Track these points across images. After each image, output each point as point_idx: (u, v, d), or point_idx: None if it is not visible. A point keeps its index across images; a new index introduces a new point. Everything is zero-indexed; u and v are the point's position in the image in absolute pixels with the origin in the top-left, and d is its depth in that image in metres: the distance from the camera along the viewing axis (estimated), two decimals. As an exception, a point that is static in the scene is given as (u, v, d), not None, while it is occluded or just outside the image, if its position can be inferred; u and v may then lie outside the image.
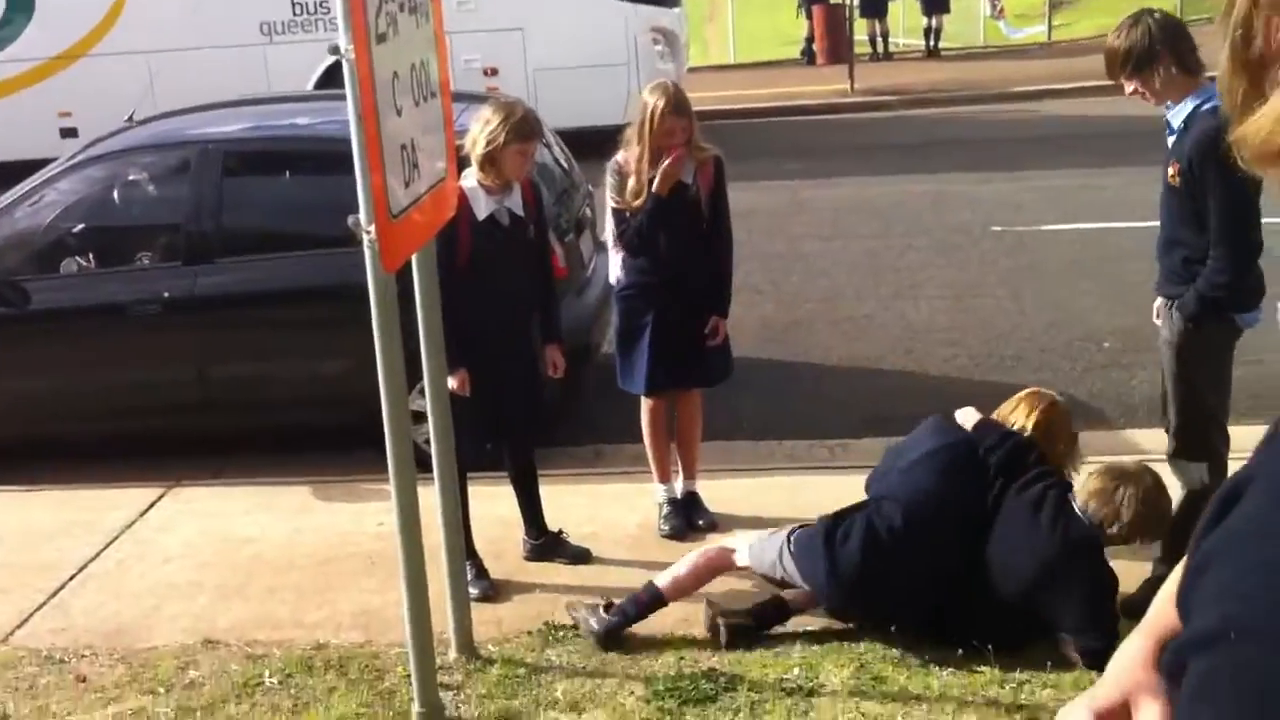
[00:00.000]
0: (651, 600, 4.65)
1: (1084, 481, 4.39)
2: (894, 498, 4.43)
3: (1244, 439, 4.86)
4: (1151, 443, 6.49)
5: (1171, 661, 0.94)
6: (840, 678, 4.17)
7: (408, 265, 4.10)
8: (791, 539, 4.52)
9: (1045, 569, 4.21)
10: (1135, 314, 8.25)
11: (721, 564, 4.68)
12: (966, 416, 4.69)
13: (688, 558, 4.75)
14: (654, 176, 5.17)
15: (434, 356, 4.26)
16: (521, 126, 4.82)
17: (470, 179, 4.85)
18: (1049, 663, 4.15)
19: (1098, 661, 4.09)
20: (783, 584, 4.58)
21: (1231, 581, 0.87)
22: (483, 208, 4.91)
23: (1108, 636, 4.10)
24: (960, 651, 4.26)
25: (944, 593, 4.34)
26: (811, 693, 4.09)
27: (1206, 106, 4.24)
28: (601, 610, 4.64)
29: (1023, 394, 4.72)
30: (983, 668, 4.17)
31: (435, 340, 4.25)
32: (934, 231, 10.84)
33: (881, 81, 19.31)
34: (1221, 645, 0.86)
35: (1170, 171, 4.36)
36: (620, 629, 4.58)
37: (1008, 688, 4.04)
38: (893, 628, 4.41)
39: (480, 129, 4.83)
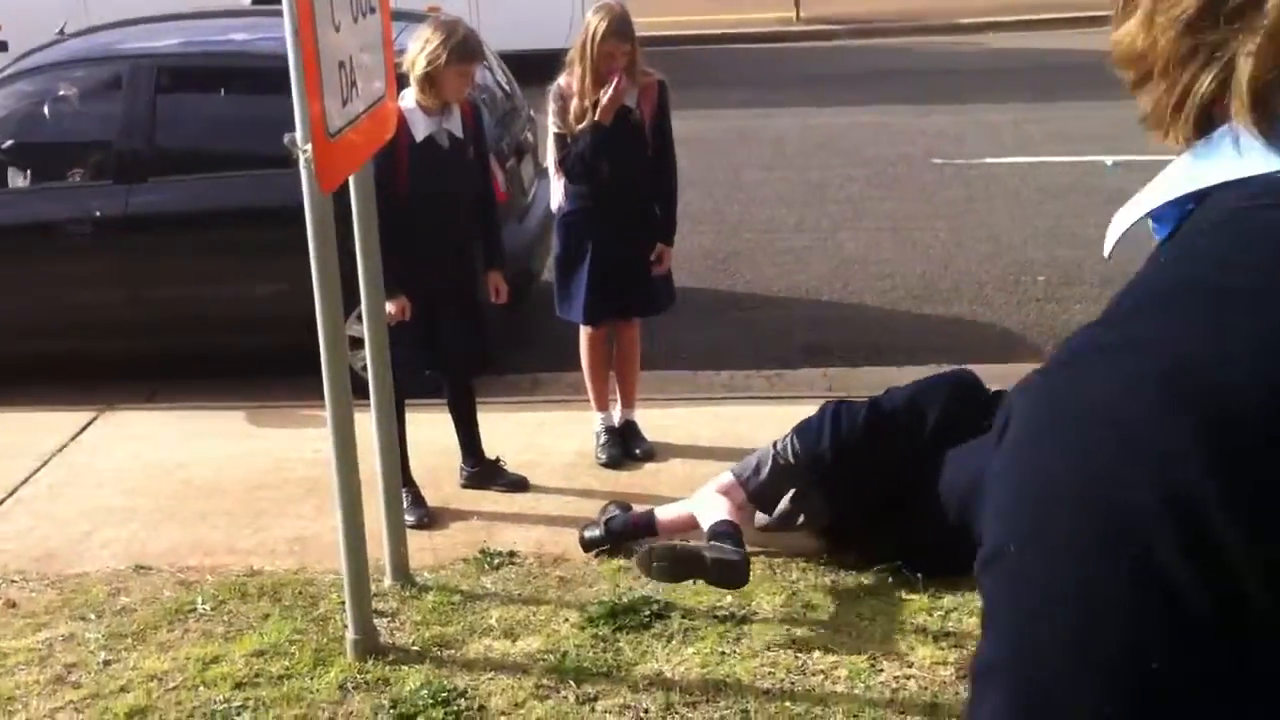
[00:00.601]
0: (645, 527, 4.69)
1: None
2: (899, 392, 4.54)
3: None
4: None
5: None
6: (772, 605, 4.22)
7: (345, 187, 4.04)
8: (792, 431, 4.59)
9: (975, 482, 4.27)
10: (1071, 248, 8.34)
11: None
12: None
13: (688, 505, 4.65)
14: (596, 101, 5.12)
15: (371, 281, 4.22)
16: (463, 47, 4.75)
17: (408, 100, 4.78)
18: (973, 590, 4.21)
19: None
20: (749, 498, 4.58)
21: (1007, 498, 0.88)
22: (421, 129, 4.84)
23: None
24: (890, 580, 4.33)
25: (906, 501, 4.39)
26: (743, 620, 4.13)
27: None
28: (599, 516, 4.74)
29: None
30: (912, 596, 4.24)
31: (373, 264, 4.21)
32: (875, 163, 10.85)
33: (827, 10, 19.20)
34: (1000, 560, 0.87)
35: None
36: (600, 543, 4.66)
37: (935, 615, 4.11)
38: (823, 556, 4.46)
39: (420, 49, 4.75)
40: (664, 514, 4.69)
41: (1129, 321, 0.89)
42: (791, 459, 4.47)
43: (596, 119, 5.13)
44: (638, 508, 4.78)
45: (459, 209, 4.99)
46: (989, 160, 10.75)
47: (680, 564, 4.11)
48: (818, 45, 17.67)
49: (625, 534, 4.69)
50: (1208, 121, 0.90)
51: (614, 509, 4.78)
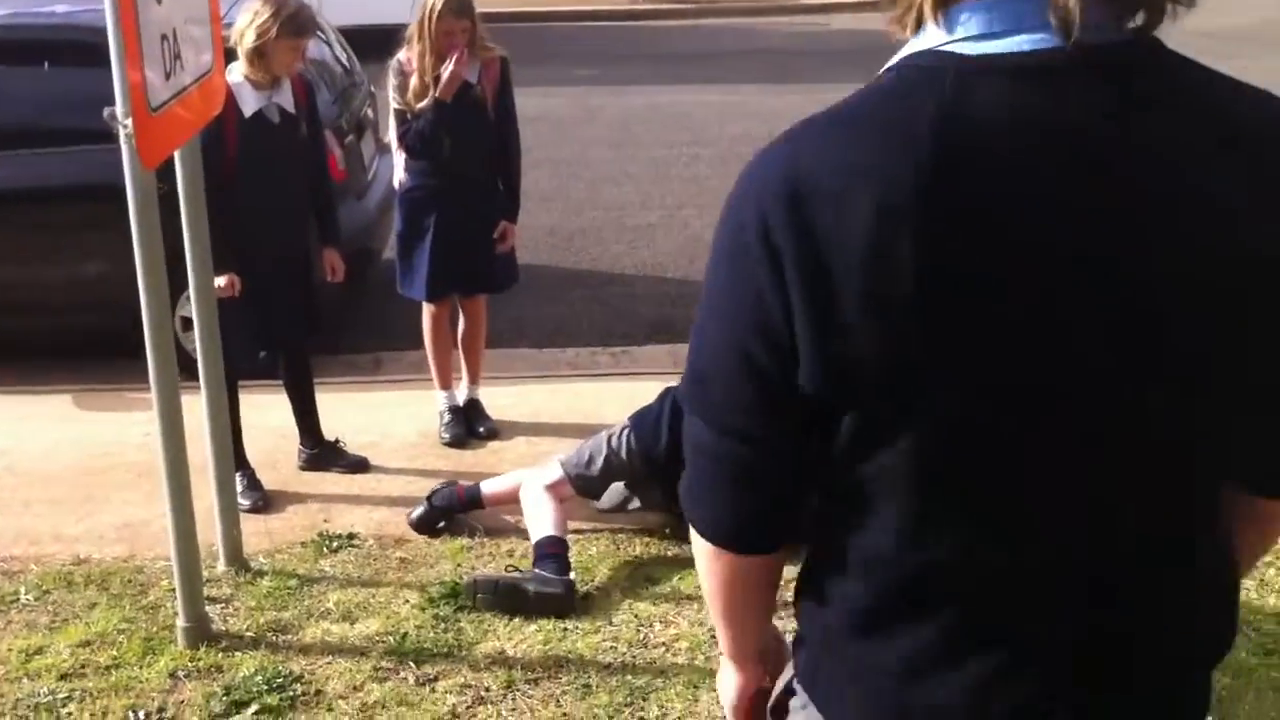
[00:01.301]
0: (470, 502, 4.65)
1: None
2: None
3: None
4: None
5: None
6: (615, 580, 4.23)
7: (171, 163, 3.92)
8: (629, 421, 4.55)
9: None
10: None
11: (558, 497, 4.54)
12: None
13: (513, 478, 4.64)
14: (437, 77, 5.06)
15: (199, 258, 4.10)
16: (293, 21, 4.63)
17: (236, 74, 4.64)
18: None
19: None
20: (577, 492, 4.56)
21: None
22: (250, 104, 4.71)
23: None
24: (731, 553, 4.36)
25: None
26: (586, 596, 4.13)
27: None
28: (425, 497, 4.69)
29: None
30: (752, 569, 4.28)
31: (200, 242, 4.08)
32: (721, 142, 10.93)
33: (674, -11, 19.27)
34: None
35: None
36: (426, 519, 4.62)
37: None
38: (667, 530, 4.49)
39: (249, 21, 4.62)
40: (490, 487, 4.66)
41: (791, 131, 1.39)
42: (625, 456, 4.46)
43: (437, 96, 5.07)
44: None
45: (291, 185, 4.88)
46: (831, 139, 10.92)
47: (504, 597, 4.07)
48: (664, 24, 17.73)
49: (451, 508, 4.65)
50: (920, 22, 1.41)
51: (442, 489, 4.72)
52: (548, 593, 4.05)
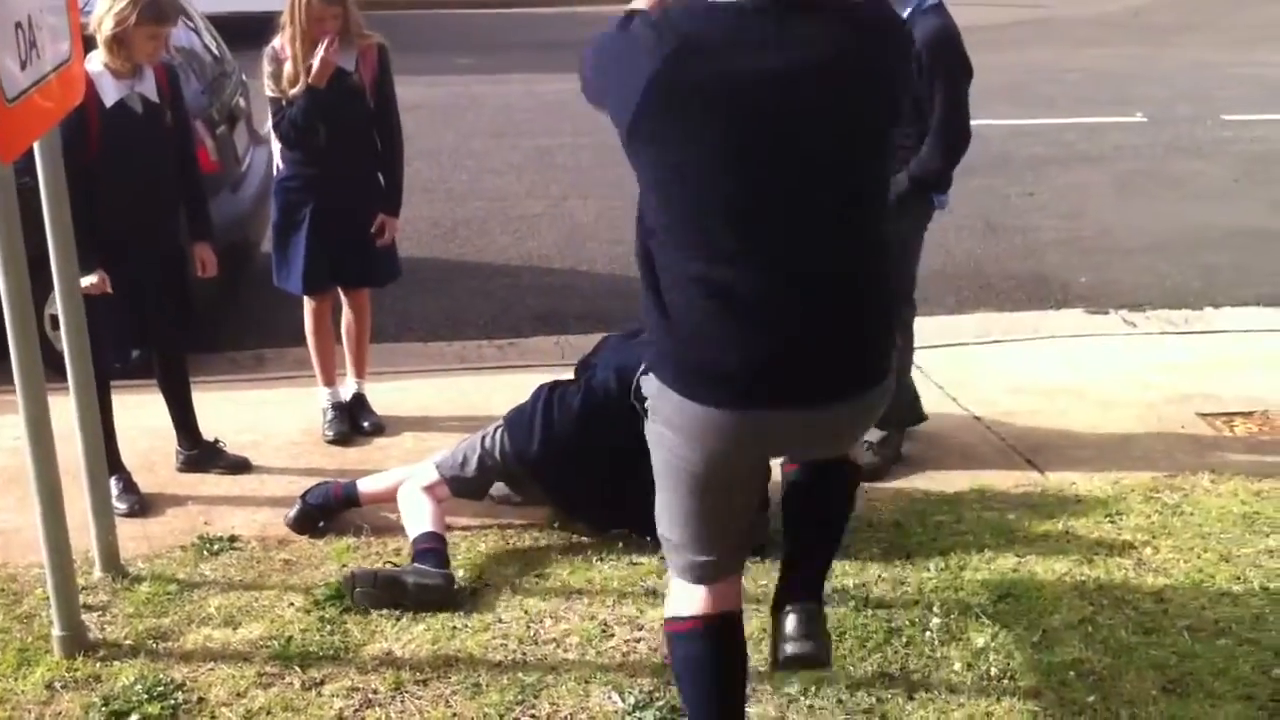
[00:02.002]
0: (346, 500, 4.56)
1: None
2: (607, 362, 4.44)
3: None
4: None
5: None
6: (504, 576, 4.18)
7: (31, 156, 3.77)
8: (503, 420, 4.50)
9: None
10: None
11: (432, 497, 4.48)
12: None
13: (392, 476, 4.58)
14: (310, 65, 4.95)
15: (63, 254, 3.95)
16: (153, 7, 4.47)
17: (96, 63, 4.49)
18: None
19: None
20: (453, 494, 4.52)
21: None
22: (111, 94, 4.55)
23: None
24: (621, 544, 4.35)
25: (633, 469, 4.39)
26: (475, 593, 4.08)
27: (929, 4, 4.56)
28: (300, 497, 4.60)
29: None
30: (642, 559, 4.27)
31: (63, 237, 3.93)
32: (604, 131, 10.80)
33: (554, -23, 19.17)
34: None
35: None
36: (303, 518, 4.53)
37: (665, 577, 4.14)
38: (555, 524, 4.45)
39: (107, 8, 4.46)
40: (367, 485, 4.58)
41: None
42: (499, 456, 4.41)
43: (310, 83, 4.96)
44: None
45: (157, 177, 4.73)
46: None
47: (383, 590, 4.01)
48: (544, 12, 17.64)
49: (327, 506, 4.56)
50: None
51: (317, 487, 4.63)
52: (427, 584, 4.00)
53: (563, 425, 4.37)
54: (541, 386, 4.55)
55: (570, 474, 4.40)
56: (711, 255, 2.65)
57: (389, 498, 4.49)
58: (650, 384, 2.84)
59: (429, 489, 4.41)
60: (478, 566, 4.26)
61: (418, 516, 4.29)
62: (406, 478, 4.50)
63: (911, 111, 4.55)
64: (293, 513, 4.56)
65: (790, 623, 3.05)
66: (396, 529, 4.47)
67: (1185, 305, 7.26)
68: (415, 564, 4.10)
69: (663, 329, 2.73)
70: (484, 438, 4.46)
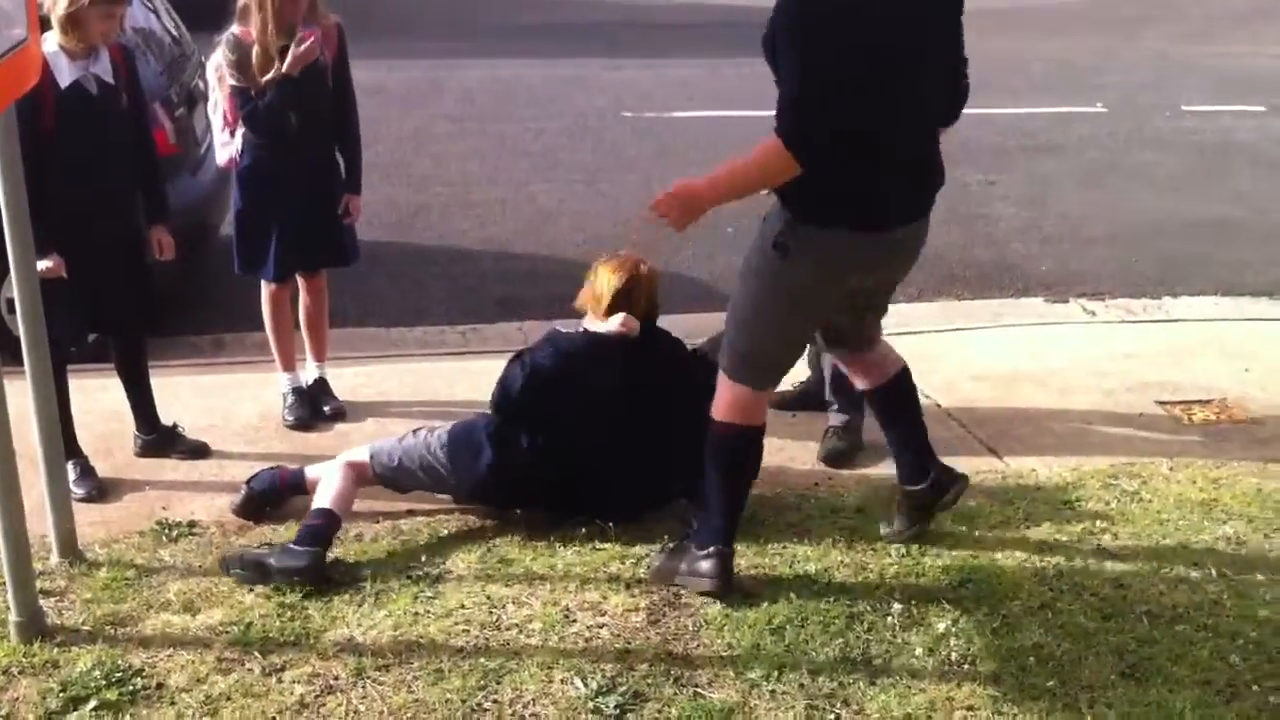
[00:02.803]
0: (292, 486, 4.54)
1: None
2: (540, 398, 4.42)
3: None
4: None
5: None
6: (467, 563, 4.17)
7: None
8: (440, 431, 4.48)
9: (677, 426, 4.34)
10: (756, 204, 8.55)
11: (359, 481, 4.49)
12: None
13: (333, 469, 4.50)
14: (284, 47, 4.89)
15: (19, 238, 3.89)
16: None
17: (50, 44, 4.42)
18: (666, 536, 4.29)
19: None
20: (392, 481, 4.51)
21: None
22: (66, 75, 4.49)
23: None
24: (584, 530, 4.35)
25: (588, 471, 4.39)
26: (438, 579, 4.06)
27: None
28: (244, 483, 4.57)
29: (611, 274, 4.62)
30: (605, 545, 4.27)
31: (19, 220, 3.87)
32: (566, 115, 10.88)
33: (517, -39, 19.09)
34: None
35: None
36: (248, 504, 4.51)
37: (628, 563, 4.15)
38: (519, 511, 4.44)
39: None
40: (314, 472, 4.55)
41: None
42: (439, 474, 4.43)
43: (285, 71, 4.90)
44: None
45: (113, 159, 4.66)
46: (679, 114, 10.95)
47: (251, 571, 4.07)
48: (508, -4, 17.55)
49: (272, 492, 4.53)
50: None
51: (262, 473, 4.61)
52: (289, 566, 4.03)
53: (512, 454, 4.37)
54: (481, 414, 4.54)
55: (521, 489, 4.42)
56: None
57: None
58: (792, 230, 3.74)
59: (354, 466, 4.44)
60: (439, 552, 4.24)
61: (324, 491, 4.34)
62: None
63: None
64: (238, 499, 4.53)
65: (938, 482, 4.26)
66: (355, 517, 4.45)
67: (1145, 294, 7.33)
68: (289, 543, 4.15)
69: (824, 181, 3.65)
70: (427, 447, 4.44)
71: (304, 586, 3.97)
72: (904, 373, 4.29)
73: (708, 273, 7.49)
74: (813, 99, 3.57)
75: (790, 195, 3.74)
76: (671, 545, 4.11)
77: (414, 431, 4.54)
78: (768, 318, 3.88)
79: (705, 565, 3.94)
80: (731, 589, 3.94)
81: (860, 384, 4.35)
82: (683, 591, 3.96)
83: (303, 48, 4.89)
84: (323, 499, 4.30)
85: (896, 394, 4.30)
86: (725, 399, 3.95)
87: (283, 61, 4.91)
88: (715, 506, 4.00)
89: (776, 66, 3.66)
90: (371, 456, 4.48)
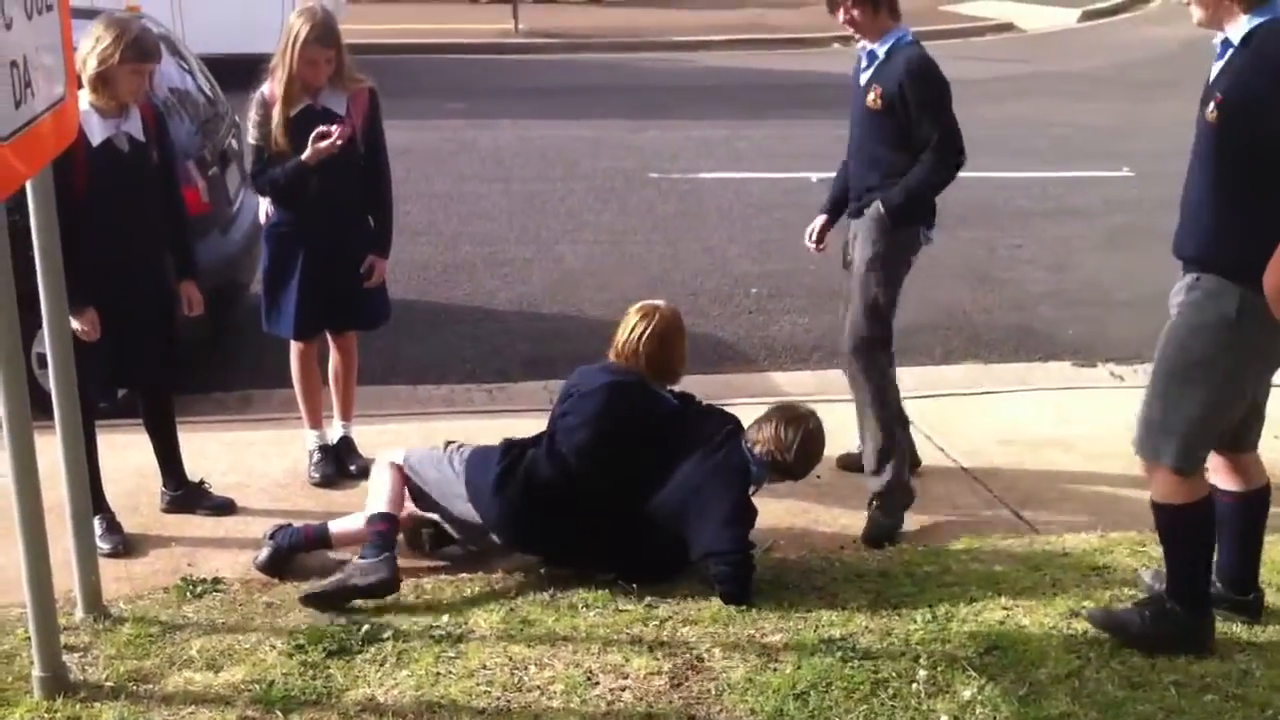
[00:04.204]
0: (317, 540, 4.58)
1: (754, 421, 4.58)
2: (564, 431, 4.48)
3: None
4: (791, 383, 6.80)
5: None
6: (489, 623, 4.15)
7: (23, 196, 3.77)
8: (466, 451, 4.58)
9: (694, 489, 4.37)
10: (781, 261, 8.60)
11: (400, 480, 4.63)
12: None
13: (360, 517, 4.61)
14: (307, 107, 4.96)
15: (53, 293, 3.94)
16: (136, 45, 4.48)
17: (82, 102, 4.49)
18: (690, 598, 4.27)
19: (731, 588, 4.25)
20: (418, 498, 4.57)
21: None
22: (98, 133, 4.56)
23: (738, 565, 4.27)
24: (607, 591, 4.33)
25: (607, 524, 4.41)
26: (460, 639, 4.05)
27: (906, 40, 4.88)
28: (266, 538, 4.60)
29: (636, 317, 4.70)
30: (628, 607, 4.25)
31: (53, 275, 3.92)
32: (593, 177, 10.95)
33: (545, 23, 19.32)
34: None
35: (871, 96, 4.90)
36: (275, 558, 4.55)
37: (650, 625, 4.13)
38: (542, 570, 4.43)
39: (90, 48, 4.46)
40: (339, 526, 4.58)
41: None
42: (454, 477, 4.54)
43: (304, 160, 4.97)
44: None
45: (144, 216, 4.72)
46: (703, 175, 11.01)
47: (337, 598, 4.23)
48: (536, 58, 17.75)
49: (297, 547, 4.57)
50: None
51: (285, 528, 4.65)
52: (374, 581, 4.22)
53: (514, 491, 4.43)
54: (505, 441, 4.65)
55: (524, 534, 4.48)
56: None
57: (363, 539, 4.48)
58: (1233, 299, 3.64)
59: (394, 466, 4.60)
60: (462, 612, 4.22)
61: (377, 492, 4.52)
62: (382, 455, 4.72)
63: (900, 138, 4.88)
64: (264, 555, 4.54)
65: None
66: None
67: (1171, 359, 7.28)
68: (359, 557, 4.30)
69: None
70: (449, 458, 4.59)
71: (327, 646, 3.97)
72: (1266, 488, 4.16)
73: (732, 333, 7.50)
74: None
75: (1242, 265, 3.56)
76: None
77: (446, 444, 4.68)
78: (1215, 393, 3.80)
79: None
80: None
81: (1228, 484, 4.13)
82: (706, 655, 3.94)
83: (324, 144, 4.94)
84: (378, 501, 4.46)
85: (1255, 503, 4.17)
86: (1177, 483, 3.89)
87: (300, 131, 4.95)
88: None
89: (1250, 136, 3.54)
90: (405, 458, 4.61)
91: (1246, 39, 3.57)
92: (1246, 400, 3.92)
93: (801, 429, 4.50)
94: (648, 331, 4.62)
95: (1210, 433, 3.89)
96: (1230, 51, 3.61)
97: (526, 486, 4.42)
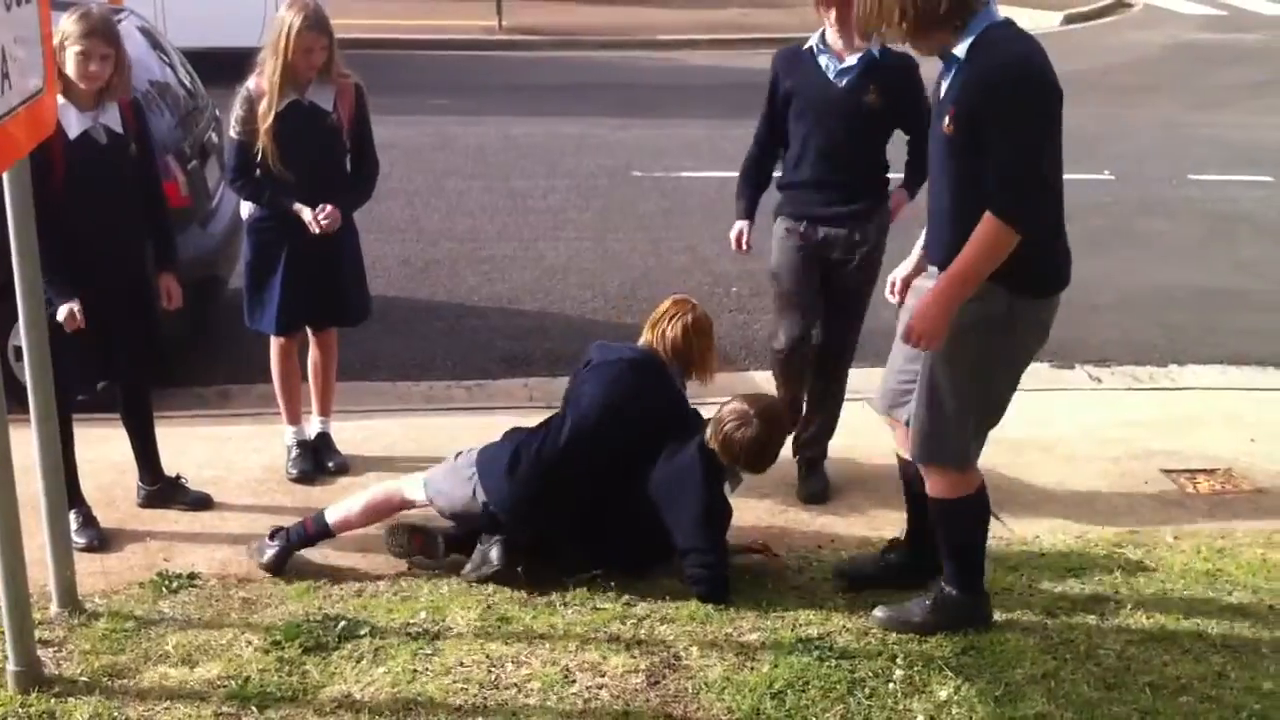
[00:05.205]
0: (319, 532, 4.59)
1: (711, 418, 4.55)
2: (575, 402, 4.52)
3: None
4: (771, 382, 6.81)
5: None
6: (467, 620, 4.15)
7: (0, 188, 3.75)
8: (473, 452, 4.56)
9: (666, 486, 4.39)
10: (762, 261, 8.56)
11: (393, 506, 4.64)
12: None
13: (361, 496, 4.68)
14: (294, 101, 4.95)
15: (28, 285, 3.91)
16: (76, 24, 4.42)
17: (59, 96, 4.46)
18: (667, 596, 4.27)
19: (705, 589, 4.25)
20: (459, 518, 4.55)
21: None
22: (74, 125, 4.51)
23: (711, 565, 4.28)
24: (585, 589, 4.33)
25: (603, 504, 4.43)
26: (437, 636, 4.04)
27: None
28: (267, 538, 4.57)
29: (669, 303, 4.79)
30: (606, 605, 4.24)
31: (29, 268, 3.90)
32: (576, 174, 10.93)
33: (529, 20, 19.27)
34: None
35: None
36: (284, 556, 4.53)
37: (628, 623, 4.13)
38: (520, 568, 4.42)
39: (57, 41, 4.43)
40: (336, 515, 4.60)
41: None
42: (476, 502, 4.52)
43: (301, 216, 5.03)
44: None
45: (124, 209, 4.69)
46: (686, 174, 11.00)
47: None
48: (519, 55, 17.71)
49: (306, 542, 4.59)
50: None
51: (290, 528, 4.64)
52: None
53: (528, 473, 4.42)
54: (512, 431, 4.63)
55: (540, 516, 4.44)
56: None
57: (361, 523, 4.54)
58: (999, 301, 3.75)
59: (403, 502, 4.63)
60: (440, 609, 4.22)
61: (348, 504, 4.63)
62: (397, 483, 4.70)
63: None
64: (270, 555, 4.52)
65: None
66: (354, 572, 4.45)
67: (1150, 362, 7.32)
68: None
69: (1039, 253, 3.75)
70: (472, 474, 4.52)
71: (303, 642, 3.95)
72: None
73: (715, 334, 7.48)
74: (1037, 176, 3.66)
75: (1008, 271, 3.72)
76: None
77: (456, 455, 4.67)
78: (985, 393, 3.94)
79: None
80: None
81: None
82: (683, 654, 3.94)
83: (324, 221, 5.01)
84: (337, 512, 4.61)
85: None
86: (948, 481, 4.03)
87: (286, 126, 4.94)
88: None
89: (977, 145, 3.66)
90: (425, 484, 4.61)
91: (970, 53, 3.68)
92: (1013, 393, 4.04)
93: (752, 425, 4.43)
94: (677, 318, 4.68)
95: (984, 429, 4.02)
96: (957, 65, 3.73)
97: (537, 459, 4.43)
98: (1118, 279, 8.77)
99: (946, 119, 3.72)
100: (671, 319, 4.69)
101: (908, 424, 4.11)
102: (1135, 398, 6.69)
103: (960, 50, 3.70)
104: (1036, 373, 7.13)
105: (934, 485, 4.05)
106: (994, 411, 4.02)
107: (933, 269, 4.00)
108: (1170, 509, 5.25)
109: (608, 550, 4.45)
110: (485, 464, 4.49)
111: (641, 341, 4.75)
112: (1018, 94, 3.61)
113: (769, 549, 4.62)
